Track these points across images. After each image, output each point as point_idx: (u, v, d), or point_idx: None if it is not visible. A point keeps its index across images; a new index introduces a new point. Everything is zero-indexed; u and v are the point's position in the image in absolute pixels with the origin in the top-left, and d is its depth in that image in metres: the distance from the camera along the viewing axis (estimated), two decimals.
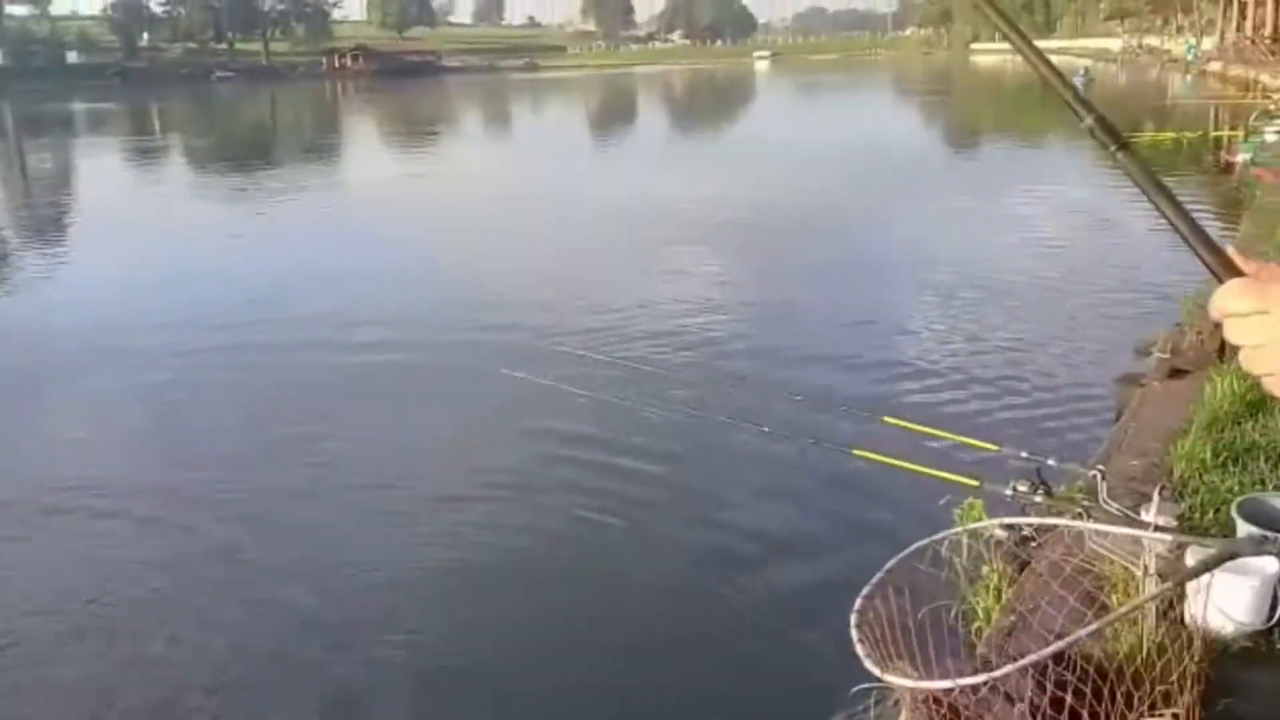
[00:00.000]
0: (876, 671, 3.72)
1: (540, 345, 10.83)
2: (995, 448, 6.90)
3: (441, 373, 10.55)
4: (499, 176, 27.74)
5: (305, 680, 5.62)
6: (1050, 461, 6.37)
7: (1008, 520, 4.59)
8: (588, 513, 7.36)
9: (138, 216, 22.89)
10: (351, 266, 16.03)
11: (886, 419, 7.73)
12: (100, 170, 34.69)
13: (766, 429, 7.96)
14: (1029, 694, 3.90)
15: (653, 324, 11.86)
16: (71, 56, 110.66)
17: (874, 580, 4.09)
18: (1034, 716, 3.80)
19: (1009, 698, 4.01)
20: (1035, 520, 4.84)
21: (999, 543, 5.04)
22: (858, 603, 3.98)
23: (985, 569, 4.94)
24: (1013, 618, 4.79)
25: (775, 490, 7.58)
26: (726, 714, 5.17)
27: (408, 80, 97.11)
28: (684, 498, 7.62)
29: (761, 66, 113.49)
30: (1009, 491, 6.06)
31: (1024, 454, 6.59)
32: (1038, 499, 5.98)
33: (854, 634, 3.80)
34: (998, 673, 3.64)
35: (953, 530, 4.27)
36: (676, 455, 8.19)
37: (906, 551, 4.18)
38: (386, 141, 42.38)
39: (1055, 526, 5.05)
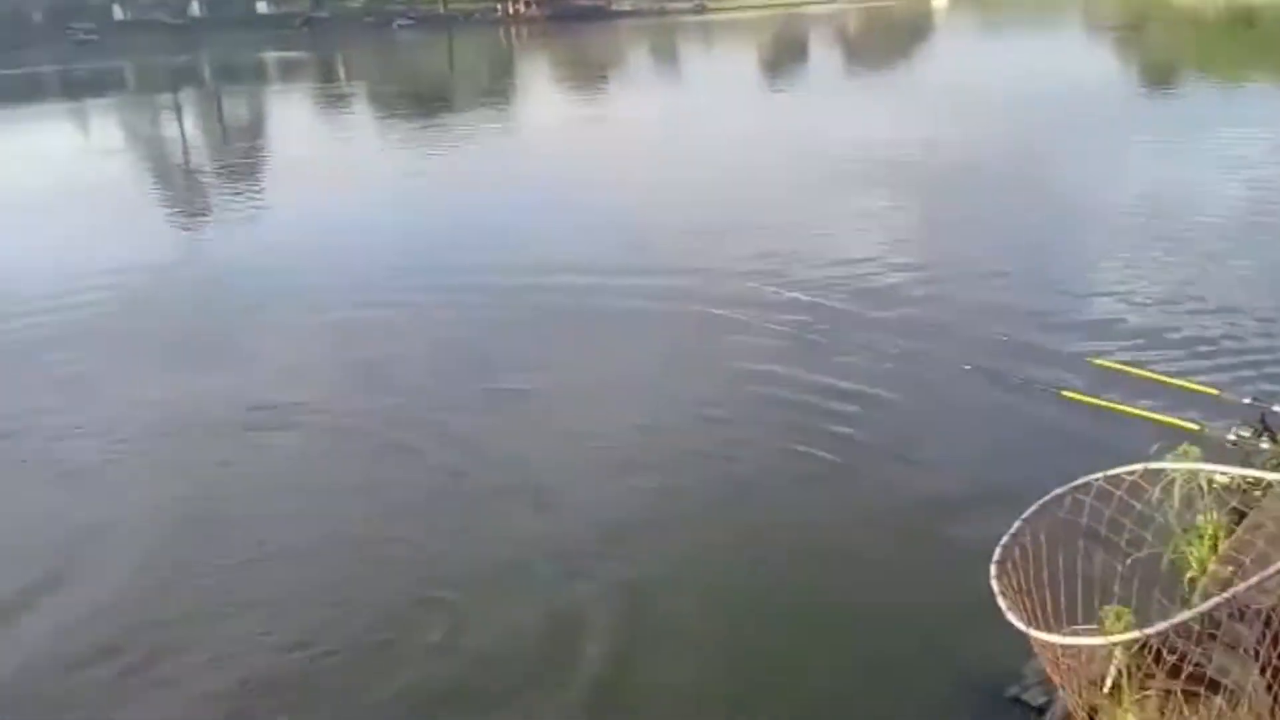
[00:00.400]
0: (1021, 625, 3.56)
1: (740, 284, 10.88)
2: (1215, 392, 6.61)
3: (644, 310, 10.66)
4: (680, 119, 27.64)
5: (527, 584, 5.94)
6: (1276, 408, 6.05)
7: (1154, 465, 4.24)
8: (792, 444, 7.40)
9: (328, 159, 23.73)
10: (537, 208, 16.29)
11: (1095, 360, 7.48)
12: (292, 116, 36.05)
13: (968, 367, 7.81)
14: (1263, 651, 3.70)
15: (848, 264, 11.73)
16: (261, 7, 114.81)
17: (1012, 530, 3.91)
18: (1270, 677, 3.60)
19: (1231, 649, 3.81)
20: (1185, 465, 4.27)
21: (1225, 489, 4.81)
22: (996, 553, 3.81)
23: (1200, 518, 4.72)
24: (1230, 569, 4.56)
25: (979, 430, 7.42)
26: (930, 656, 5.13)
27: (579, 25, 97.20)
28: (886, 434, 7.53)
29: (940, 4, 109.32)
30: (1231, 437, 5.80)
31: (1246, 399, 6.28)
32: (1264, 445, 5.71)
33: (995, 585, 3.67)
34: (1151, 630, 3.44)
35: (1092, 476, 4.03)
36: (879, 391, 8.13)
37: (1044, 500, 3.97)
38: (564, 85, 42.69)
39: (1195, 472, 4.59)
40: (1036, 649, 3.74)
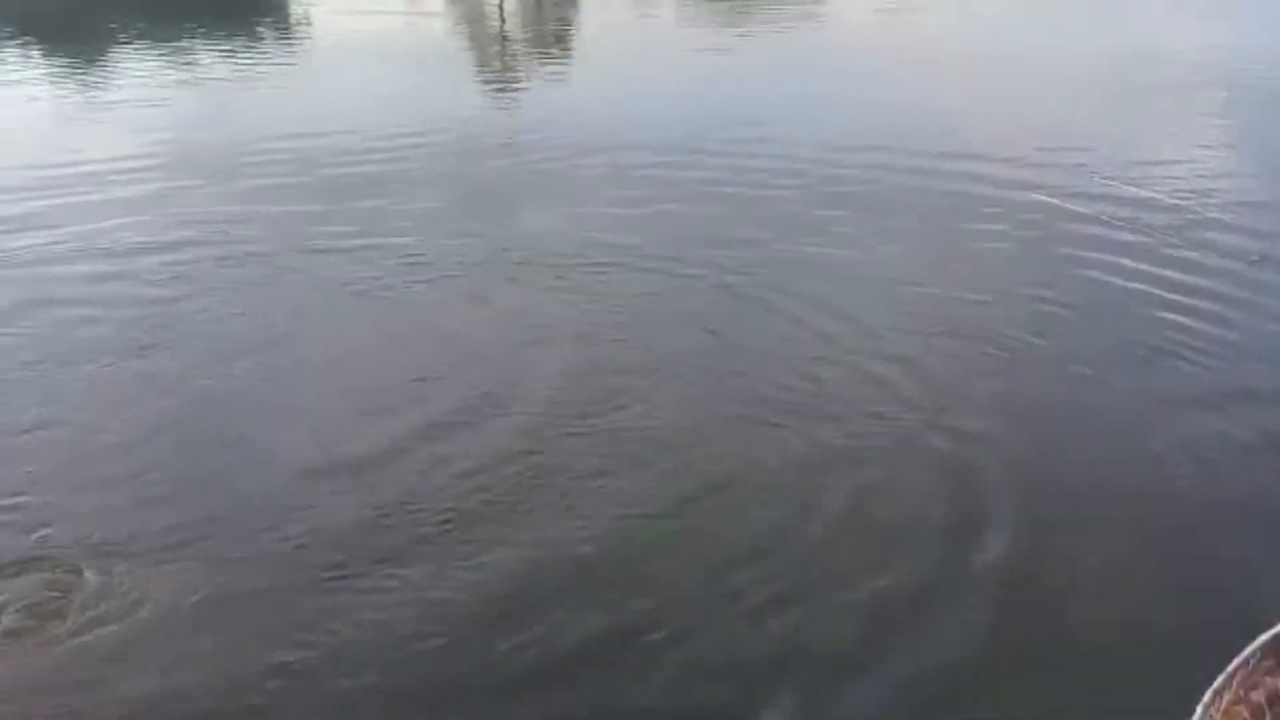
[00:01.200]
0: None
1: (1073, 176, 10.27)
2: None
3: (967, 194, 10.19)
4: (998, 18, 26.02)
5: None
6: None
7: None
8: (1135, 338, 6.98)
9: (637, 33, 23.89)
10: (846, 94, 15.63)
11: None
12: None
13: None
14: None
15: (1195, 166, 10.83)
16: None
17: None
18: None
19: None
20: None
21: None
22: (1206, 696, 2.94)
23: None
24: None
25: None
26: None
27: None
28: (1240, 348, 6.88)
29: None
30: None
31: None
32: None
33: None
34: None
35: None
36: (1233, 294, 7.43)
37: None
38: None
39: None
40: None
